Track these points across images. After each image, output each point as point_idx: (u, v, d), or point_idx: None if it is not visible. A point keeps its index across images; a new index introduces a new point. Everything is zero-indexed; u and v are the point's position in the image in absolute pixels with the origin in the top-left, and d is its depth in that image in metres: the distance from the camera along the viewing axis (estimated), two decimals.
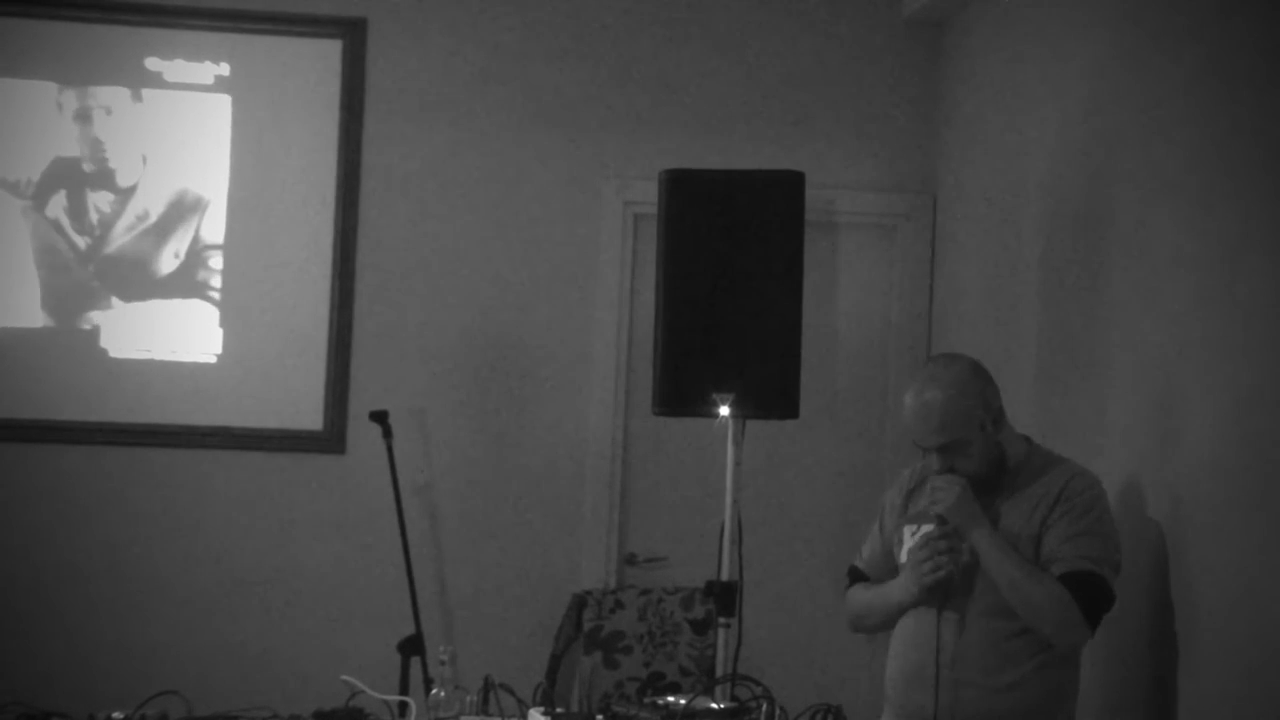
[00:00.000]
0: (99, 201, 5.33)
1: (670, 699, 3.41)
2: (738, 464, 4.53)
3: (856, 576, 3.85)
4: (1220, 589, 3.44)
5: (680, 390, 4.48)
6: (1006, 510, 3.54)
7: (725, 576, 4.50)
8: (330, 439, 5.38)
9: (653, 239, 4.69)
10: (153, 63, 5.36)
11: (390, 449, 5.10)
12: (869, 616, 3.77)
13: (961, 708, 3.48)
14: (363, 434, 5.28)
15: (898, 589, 3.64)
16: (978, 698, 3.47)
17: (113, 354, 5.31)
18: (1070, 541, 3.44)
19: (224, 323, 5.37)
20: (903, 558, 3.66)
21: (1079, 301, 4.31)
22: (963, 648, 3.49)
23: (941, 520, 3.53)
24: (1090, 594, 3.42)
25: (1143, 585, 3.72)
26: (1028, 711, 3.48)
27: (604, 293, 5.49)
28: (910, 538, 3.65)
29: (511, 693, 3.45)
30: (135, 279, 5.33)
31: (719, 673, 4.44)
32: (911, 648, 3.59)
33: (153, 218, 5.34)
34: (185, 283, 5.35)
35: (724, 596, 4.47)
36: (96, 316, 5.31)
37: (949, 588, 3.52)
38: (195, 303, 5.36)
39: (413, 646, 4.86)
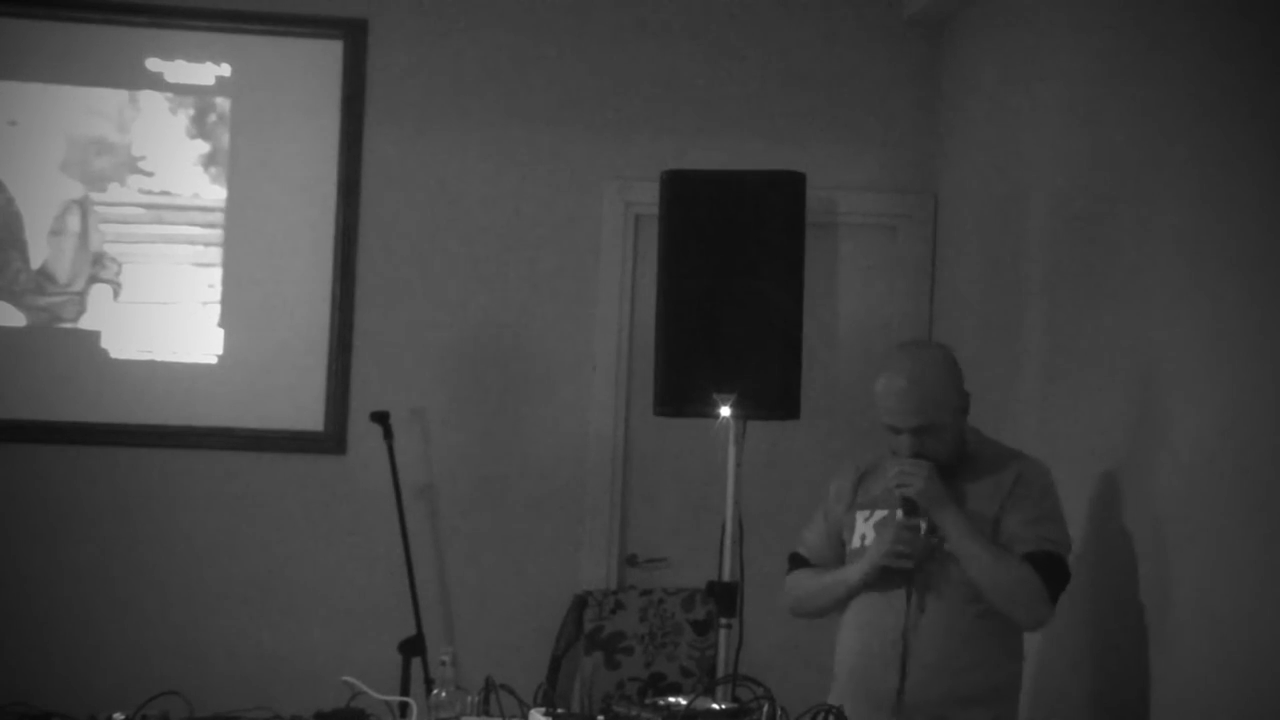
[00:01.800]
0: (91, 206, 5.31)
1: (671, 699, 3.40)
2: (739, 464, 4.53)
3: (798, 563, 3.87)
4: (1216, 586, 3.44)
5: (681, 391, 4.48)
6: (968, 494, 3.59)
7: (726, 577, 4.50)
8: (331, 439, 5.37)
9: (653, 239, 4.69)
10: (153, 63, 5.35)
11: (391, 450, 5.09)
12: (817, 598, 3.78)
13: (921, 690, 3.51)
14: (363, 434, 5.28)
15: (857, 572, 3.66)
16: (933, 680, 3.51)
17: (113, 354, 5.31)
18: (1030, 525, 3.55)
19: (224, 323, 5.37)
20: (854, 543, 3.71)
21: (1079, 301, 4.30)
22: (923, 630, 3.54)
23: (910, 503, 3.56)
24: (1052, 573, 3.53)
25: (1136, 582, 3.73)
26: (985, 697, 3.54)
27: (604, 293, 5.49)
28: (863, 523, 3.70)
29: (512, 693, 3.45)
30: (123, 283, 5.32)
31: (720, 673, 4.45)
32: (872, 630, 3.62)
33: (142, 221, 5.33)
34: (181, 288, 5.34)
35: (725, 597, 4.48)
36: (86, 319, 5.30)
37: (910, 574, 3.56)
38: (187, 307, 5.35)
39: (413, 647, 4.86)
